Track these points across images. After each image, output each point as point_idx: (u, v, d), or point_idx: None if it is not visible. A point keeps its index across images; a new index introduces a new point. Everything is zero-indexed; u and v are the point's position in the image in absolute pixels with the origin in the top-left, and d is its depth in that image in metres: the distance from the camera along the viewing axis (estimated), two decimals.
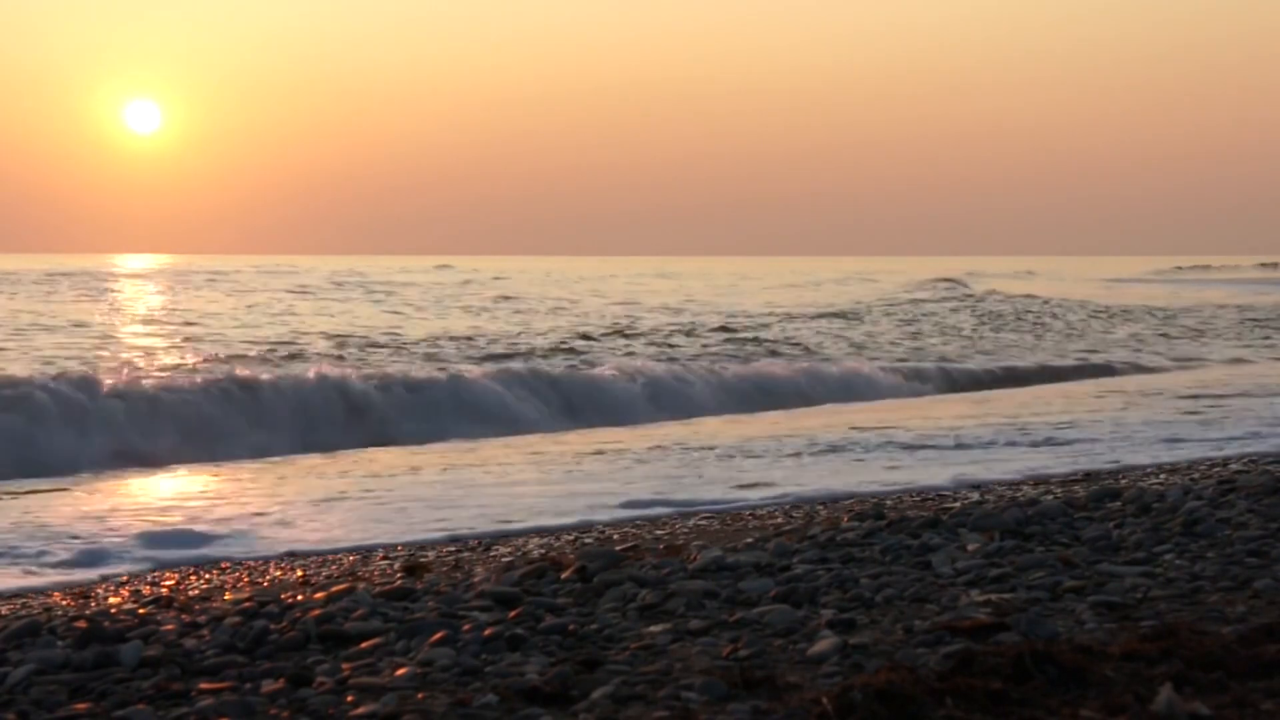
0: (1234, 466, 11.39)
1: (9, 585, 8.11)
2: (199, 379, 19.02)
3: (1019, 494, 10.05)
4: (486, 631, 5.51)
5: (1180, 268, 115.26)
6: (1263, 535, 7.07)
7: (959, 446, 13.74)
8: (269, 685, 4.93)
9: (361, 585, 6.78)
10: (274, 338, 30.30)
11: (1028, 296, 54.19)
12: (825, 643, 5.19)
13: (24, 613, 7.03)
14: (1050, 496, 9.34)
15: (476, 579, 6.93)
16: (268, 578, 8.14)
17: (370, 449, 15.85)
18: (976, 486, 10.94)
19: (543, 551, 8.54)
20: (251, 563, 8.72)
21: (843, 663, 4.96)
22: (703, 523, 9.57)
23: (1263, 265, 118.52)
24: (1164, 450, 13.01)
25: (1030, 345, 33.50)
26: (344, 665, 5.17)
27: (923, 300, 53.03)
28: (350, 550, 9.01)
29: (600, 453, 14.15)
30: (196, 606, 6.46)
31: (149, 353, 26.11)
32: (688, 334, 34.06)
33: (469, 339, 30.76)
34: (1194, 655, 4.63)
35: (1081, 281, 77.14)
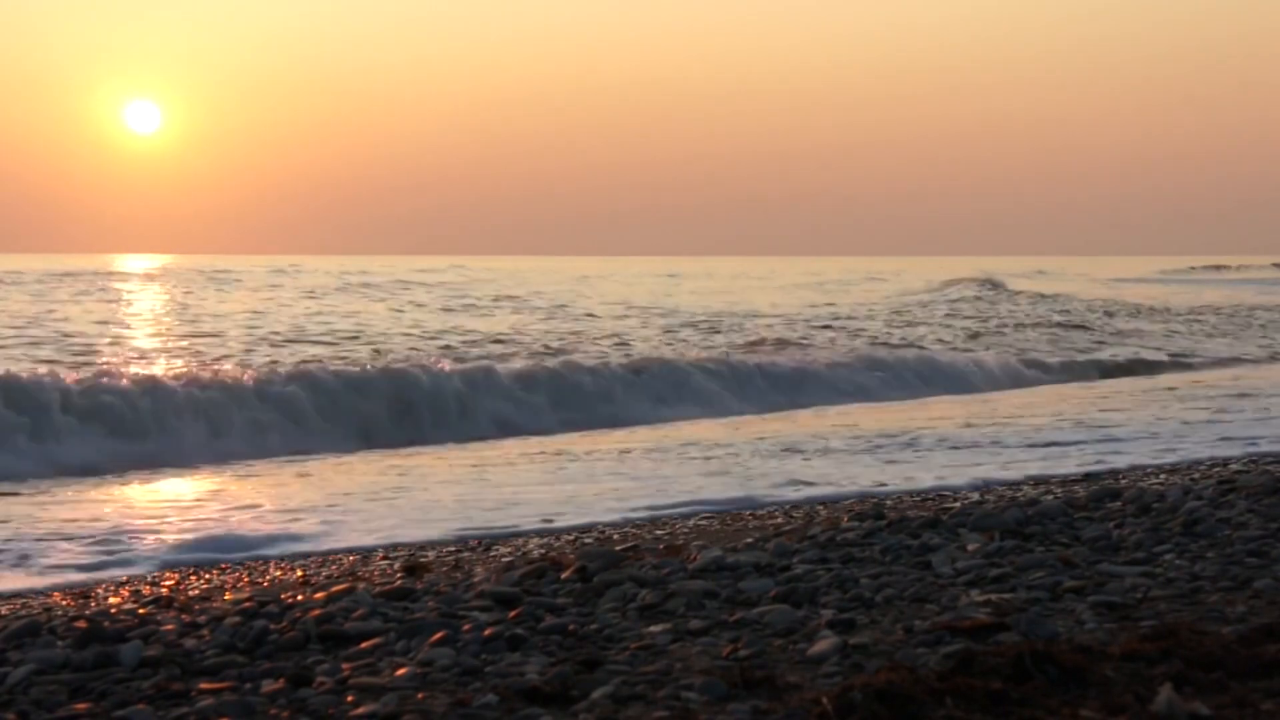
0: (1234, 466, 11.39)
1: (16, 585, 8.12)
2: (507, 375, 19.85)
3: (1019, 494, 10.06)
4: (486, 631, 5.51)
5: (1194, 267, 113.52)
6: (1263, 535, 7.08)
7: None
8: (269, 685, 4.94)
9: (361, 585, 6.78)
10: (401, 336, 30.35)
11: (1059, 295, 54.34)
12: (825, 643, 5.19)
13: (24, 613, 7.03)
14: (1050, 496, 9.34)
15: (476, 579, 6.93)
16: (268, 578, 8.14)
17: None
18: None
19: (543, 551, 8.54)
20: (252, 563, 8.72)
21: (843, 663, 4.96)
22: (703, 523, 9.58)
23: (1276, 265, 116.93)
24: None
25: (1120, 340, 34.36)
26: (344, 665, 5.17)
27: (974, 298, 53.24)
28: (394, 544, 9.02)
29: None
30: (196, 606, 6.46)
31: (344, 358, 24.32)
32: (825, 328, 35.69)
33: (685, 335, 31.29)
34: (1194, 655, 4.63)
35: (1099, 282, 76.55)
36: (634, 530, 9.40)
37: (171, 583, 8.12)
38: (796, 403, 20.91)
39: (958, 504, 9.61)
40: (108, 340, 28.96)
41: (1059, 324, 39.42)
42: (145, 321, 36.01)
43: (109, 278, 63.94)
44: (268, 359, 24.01)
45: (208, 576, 8.30)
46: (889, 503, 10.02)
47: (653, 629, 5.60)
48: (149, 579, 8.30)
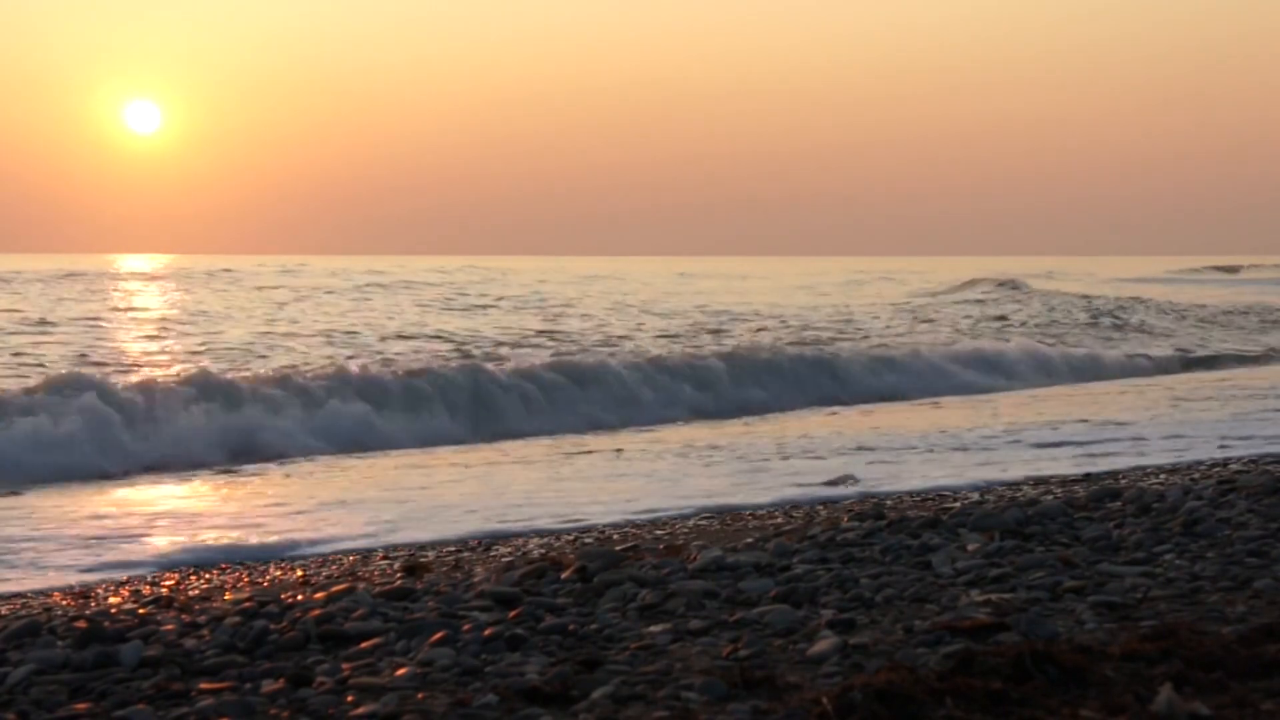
0: (1234, 467, 11.39)
1: (26, 586, 8.12)
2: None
3: (1019, 494, 10.06)
4: (486, 631, 5.51)
5: (1204, 268, 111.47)
6: (1263, 535, 7.07)
7: None
8: (269, 685, 4.93)
9: (361, 585, 6.78)
10: (490, 335, 30.53)
11: (1085, 296, 54.63)
12: (825, 643, 5.18)
13: (24, 613, 7.03)
14: (1050, 496, 9.34)
15: (476, 579, 6.93)
16: (268, 578, 8.14)
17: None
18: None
19: (543, 551, 8.54)
20: (252, 563, 8.72)
21: (843, 663, 4.96)
22: (703, 522, 9.58)
23: None
24: None
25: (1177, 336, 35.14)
26: (344, 665, 5.17)
27: (1005, 298, 53.71)
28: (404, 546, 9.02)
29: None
30: (196, 606, 6.46)
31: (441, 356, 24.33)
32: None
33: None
34: (1194, 655, 4.63)
35: (1110, 281, 76.10)
36: (634, 530, 9.40)
37: (171, 583, 8.12)
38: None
39: (958, 504, 9.61)
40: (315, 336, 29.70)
41: (1100, 322, 40.01)
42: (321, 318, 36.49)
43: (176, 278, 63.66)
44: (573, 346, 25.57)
45: (208, 576, 8.31)
46: (889, 503, 10.02)
47: (653, 629, 5.60)
48: (149, 579, 8.30)
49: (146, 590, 7.79)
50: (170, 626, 5.86)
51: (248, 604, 6.19)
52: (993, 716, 4.21)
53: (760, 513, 9.97)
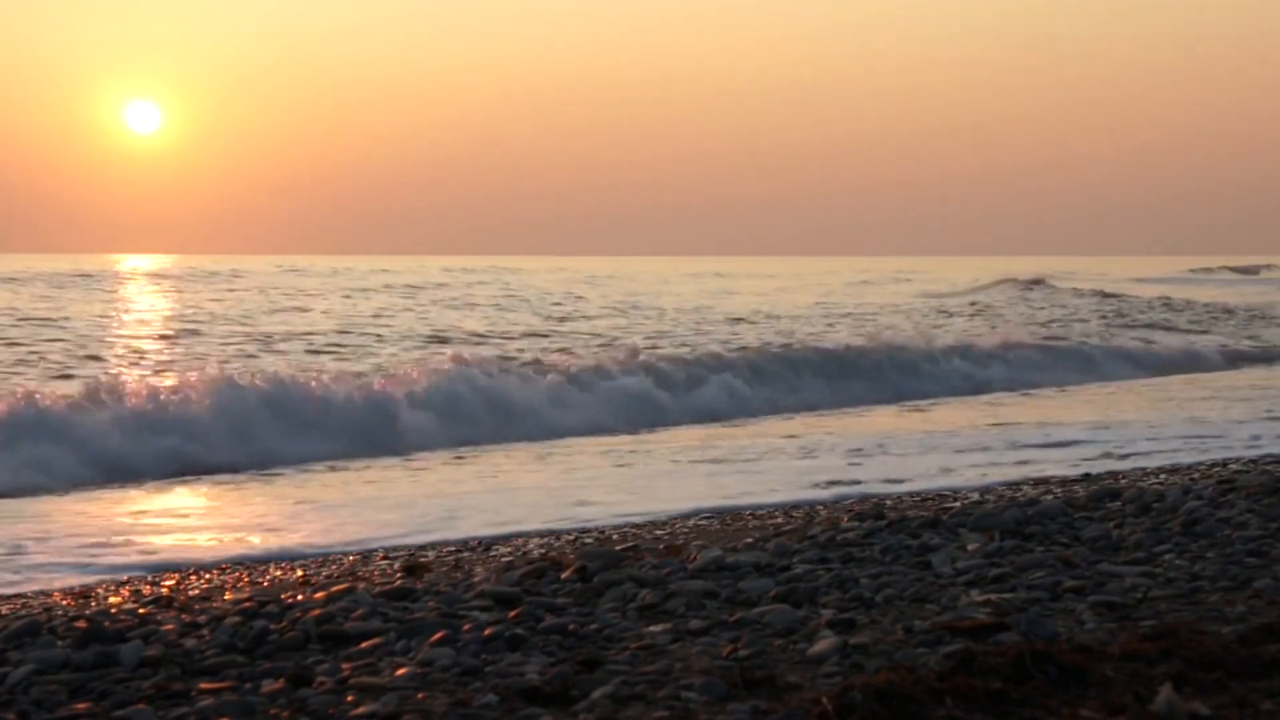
0: (1234, 467, 11.39)
1: (26, 587, 8.12)
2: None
3: (1019, 494, 10.06)
4: (486, 631, 5.51)
5: (1219, 268, 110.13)
6: (1263, 535, 7.08)
7: None
8: (269, 685, 4.93)
9: (361, 585, 6.78)
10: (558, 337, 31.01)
11: (1103, 294, 55.15)
12: (825, 643, 5.18)
13: (24, 613, 7.02)
14: (1050, 496, 9.34)
15: (476, 579, 6.93)
16: (268, 578, 8.14)
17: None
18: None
19: (543, 551, 8.54)
20: (250, 564, 8.72)
21: (843, 663, 4.96)
22: (702, 522, 9.58)
23: None
24: None
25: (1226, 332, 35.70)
26: (344, 665, 5.17)
27: (1042, 298, 54.51)
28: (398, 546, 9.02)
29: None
30: (196, 606, 6.46)
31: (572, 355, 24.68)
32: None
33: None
34: (1194, 655, 4.63)
35: (1131, 281, 75.73)
36: (634, 530, 9.40)
37: (171, 583, 8.12)
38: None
39: (958, 504, 9.61)
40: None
41: (1143, 320, 40.62)
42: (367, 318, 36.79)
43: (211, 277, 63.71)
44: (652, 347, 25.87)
45: (208, 576, 8.30)
46: (889, 503, 10.02)
47: (653, 629, 5.60)
48: (149, 579, 8.30)
49: (146, 590, 7.79)
50: (170, 626, 5.85)
51: (248, 604, 6.19)
52: (993, 716, 4.21)
53: (760, 513, 9.97)
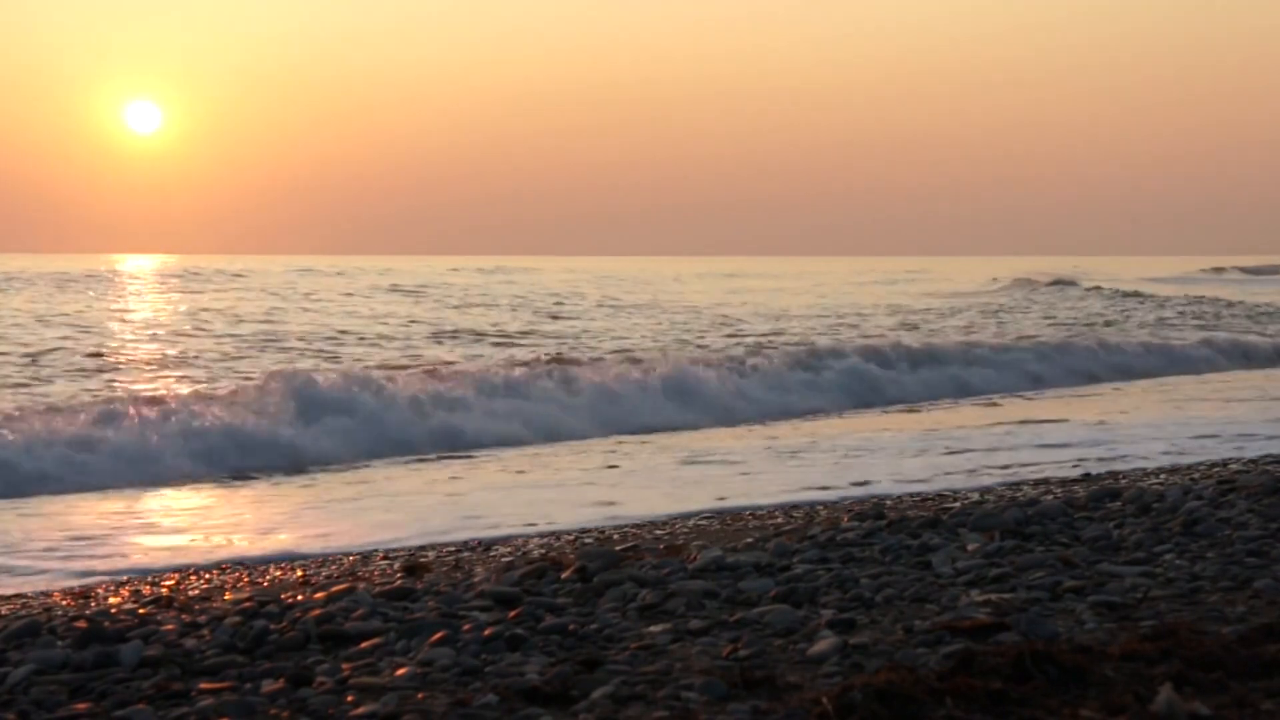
0: (1234, 466, 11.39)
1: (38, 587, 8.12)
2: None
3: (1019, 494, 10.06)
4: (486, 631, 5.51)
5: (1241, 269, 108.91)
6: (1263, 535, 7.08)
7: None
8: (269, 685, 4.93)
9: (361, 585, 6.78)
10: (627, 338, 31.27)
11: (1137, 294, 55.57)
12: (825, 643, 5.18)
13: (24, 613, 7.03)
14: (1050, 496, 9.34)
15: (476, 579, 6.93)
16: (268, 578, 8.14)
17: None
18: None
19: (543, 551, 8.54)
20: (250, 564, 8.72)
21: (843, 663, 4.96)
22: (703, 523, 9.58)
23: None
24: None
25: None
26: (344, 665, 5.17)
27: (1078, 297, 55.01)
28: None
29: None
30: (196, 606, 6.46)
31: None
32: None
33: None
34: (1194, 655, 4.63)
35: (1149, 281, 75.48)
36: (634, 530, 9.40)
37: (171, 583, 8.12)
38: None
39: (958, 504, 9.61)
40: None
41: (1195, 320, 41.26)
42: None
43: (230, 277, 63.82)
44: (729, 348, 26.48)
45: (208, 576, 8.30)
46: (889, 503, 10.02)
47: (653, 629, 5.60)
48: (149, 579, 8.31)
49: (146, 590, 7.79)
50: (170, 626, 5.86)
51: (248, 604, 6.19)
52: (993, 716, 4.21)
53: (760, 513, 9.97)
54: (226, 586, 7.88)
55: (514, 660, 5.16)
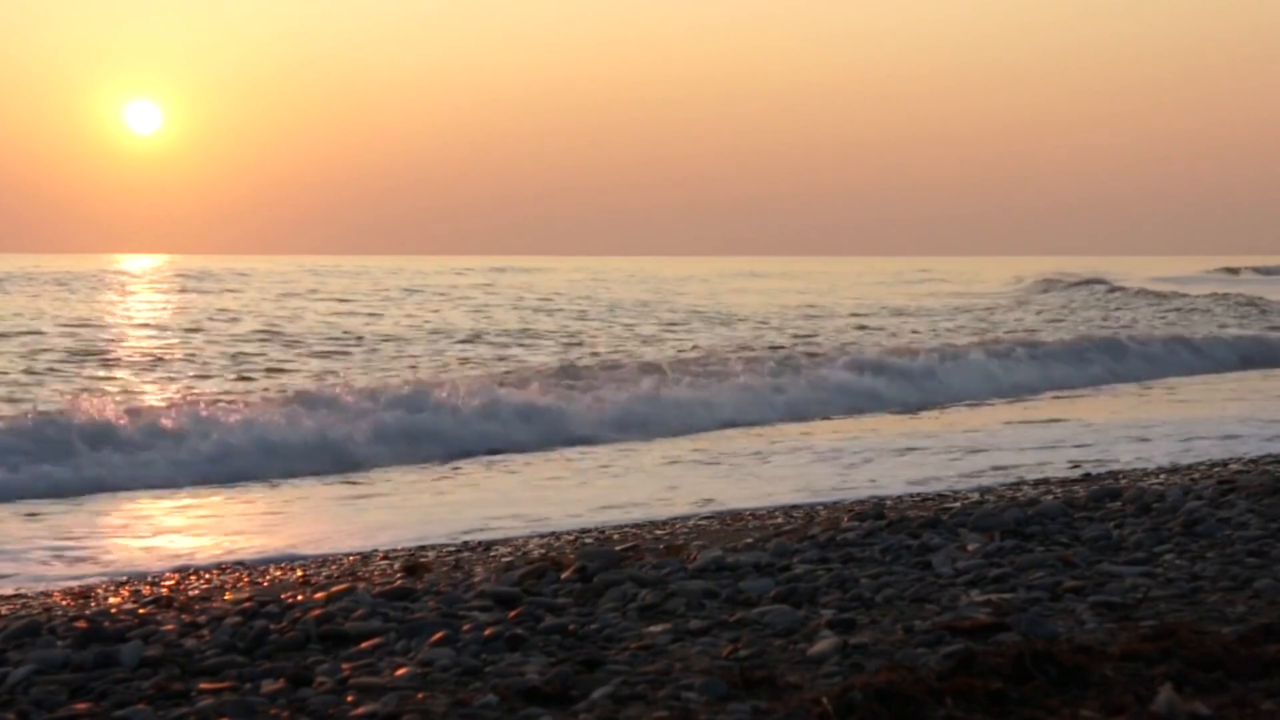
0: (1234, 466, 11.39)
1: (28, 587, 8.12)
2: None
3: (1019, 494, 10.06)
4: (486, 631, 5.50)
5: (1253, 269, 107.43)
6: (1263, 535, 7.08)
7: None
8: (269, 685, 4.93)
9: (361, 585, 6.78)
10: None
11: (1177, 294, 56.03)
12: (825, 643, 5.18)
13: (24, 613, 7.03)
14: (1050, 496, 9.34)
15: (476, 579, 6.93)
16: (268, 578, 8.14)
17: None
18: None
19: (543, 551, 8.54)
20: (249, 564, 8.72)
21: (843, 663, 4.96)
22: (703, 523, 9.58)
23: None
24: None
25: None
26: (344, 665, 5.16)
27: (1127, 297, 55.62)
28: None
29: None
30: (196, 606, 6.46)
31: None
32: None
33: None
34: (1194, 655, 4.63)
35: (1164, 280, 75.46)
36: (634, 530, 9.40)
37: (171, 583, 8.12)
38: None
39: (958, 504, 9.61)
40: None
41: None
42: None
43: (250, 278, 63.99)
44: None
45: (208, 576, 8.31)
46: (889, 503, 10.02)
47: (653, 629, 5.59)
48: (149, 579, 8.31)
49: (146, 590, 7.79)
50: (170, 626, 5.85)
51: (248, 604, 6.18)
52: (993, 716, 4.21)
53: (760, 513, 9.97)
54: (226, 586, 7.88)
55: (514, 660, 5.16)
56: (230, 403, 15.96)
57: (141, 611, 6.35)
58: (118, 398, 17.43)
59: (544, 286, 61.87)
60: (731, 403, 18.57)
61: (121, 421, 14.09)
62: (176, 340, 28.84)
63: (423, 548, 9.04)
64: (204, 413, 14.81)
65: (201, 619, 5.99)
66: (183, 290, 52.42)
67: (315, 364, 24.30)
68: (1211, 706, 4.19)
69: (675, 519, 9.82)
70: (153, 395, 19.24)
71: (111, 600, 7.48)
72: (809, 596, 6.10)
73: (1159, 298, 54.07)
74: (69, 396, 16.55)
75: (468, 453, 14.53)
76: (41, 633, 5.81)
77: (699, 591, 6.17)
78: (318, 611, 5.89)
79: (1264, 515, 7.59)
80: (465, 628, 5.60)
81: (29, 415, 14.22)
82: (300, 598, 6.48)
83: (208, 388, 20.14)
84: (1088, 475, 11.36)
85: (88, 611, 6.64)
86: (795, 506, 10.23)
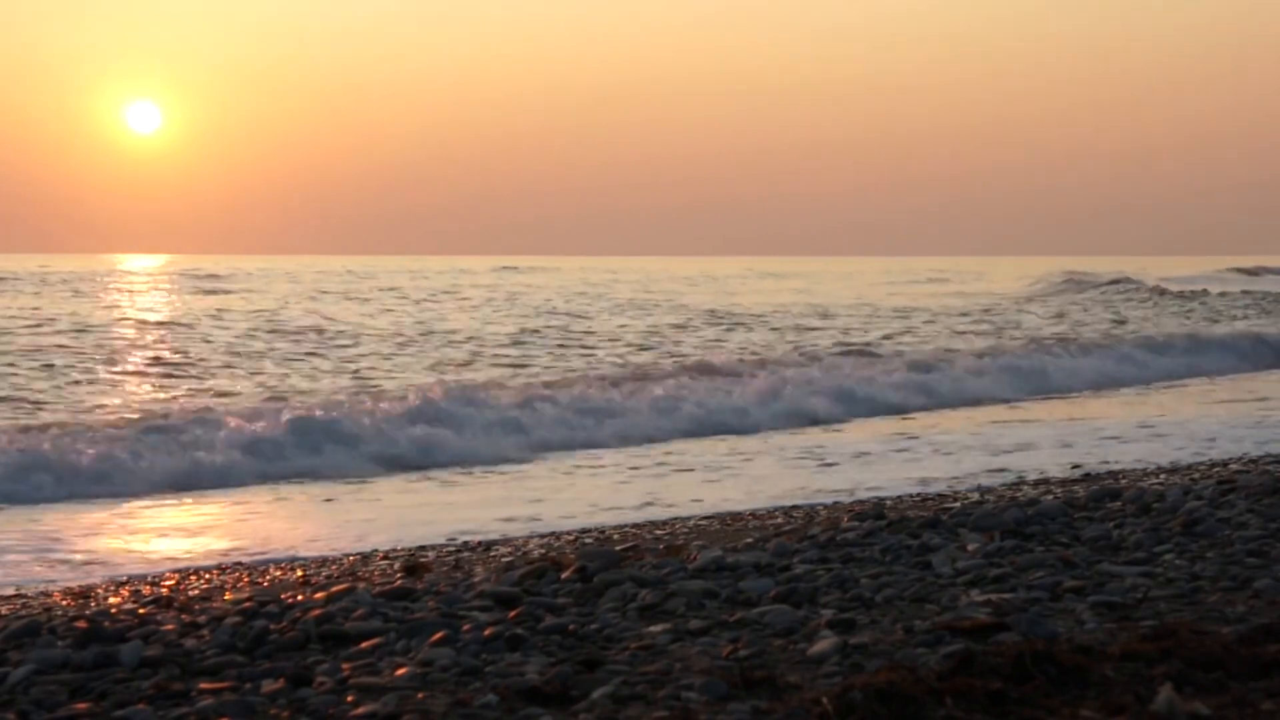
0: (1234, 466, 11.39)
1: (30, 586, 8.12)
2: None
3: (1019, 494, 10.06)
4: (486, 631, 5.50)
5: (1265, 269, 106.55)
6: (1263, 535, 7.07)
7: None
8: (269, 685, 4.93)
9: (361, 585, 6.78)
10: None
11: (1204, 291, 56.55)
12: (825, 643, 5.18)
13: (24, 613, 7.03)
14: (1050, 496, 9.34)
15: (476, 579, 6.92)
16: (268, 578, 8.14)
17: None
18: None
19: (543, 551, 8.54)
20: (251, 564, 8.72)
21: (843, 663, 4.96)
22: (703, 523, 9.58)
23: None
24: None
25: None
26: (344, 665, 5.16)
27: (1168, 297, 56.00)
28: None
29: None
30: (196, 606, 6.45)
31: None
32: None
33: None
34: (1194, 655, 4.63)
35: (1182, 281, 75.38)
36: (634, 530, 9.40)
37: (171, 583, 8.12)
38: None
39: (958, 504, 9.61)
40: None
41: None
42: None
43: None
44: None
45: (208, 576, 8.31)
46: (889, 503, 10.02)
47: (653, 629, 5.59)
48: (149, 579, 8.31)
49: (146, 590, 7.79)
50: (170, 626, 5.85)
51: (248, 604, 6.18)
52: (993, 716, 4.21)
53: (760, 513, 9.97)
54: (226, 586, 7.88)
55: (514, 660, 5.16)
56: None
57: (141, 611, 6.34)
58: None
59: (599, 285, 62.11)
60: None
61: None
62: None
63: (422, 548, 9.04)
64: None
65: (201, 619, 5.99)
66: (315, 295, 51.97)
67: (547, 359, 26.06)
68: (1211, 706, 4.19)
69: (675, 519, 9.82)
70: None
71: (111, 600, 7.48)
72: (809, 596, 6.09)
73: (1196, 295, 54.45)
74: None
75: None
76: (41, 633, 5.81)
77: (699, 591, 6.17)
78: (318, 611, 5.89)
79: (1264, 515, 7.59)
80: (465, 628, 5.59)
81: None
82: (300, 598, 6.48)
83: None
84: (1088, 475, 11.36)
85: (88, 611, 6.64)
86: (795, 506, 10.24)
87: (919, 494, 10.74)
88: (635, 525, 9.64)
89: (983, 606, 5.70)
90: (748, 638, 5.37)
